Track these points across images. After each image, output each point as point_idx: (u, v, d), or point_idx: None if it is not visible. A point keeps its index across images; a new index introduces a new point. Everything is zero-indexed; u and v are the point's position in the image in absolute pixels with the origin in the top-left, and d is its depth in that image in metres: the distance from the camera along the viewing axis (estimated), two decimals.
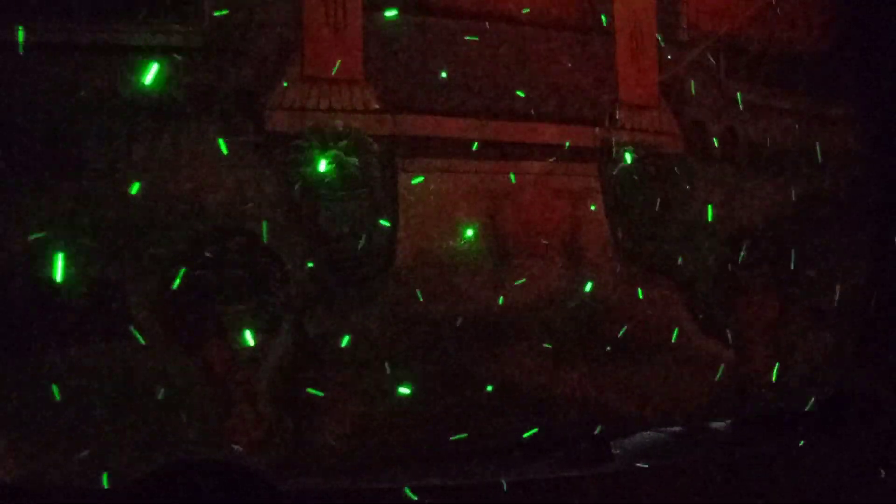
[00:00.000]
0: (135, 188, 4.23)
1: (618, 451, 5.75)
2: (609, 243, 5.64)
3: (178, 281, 4.30)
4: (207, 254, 4.41)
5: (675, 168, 5.81)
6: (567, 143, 5.43)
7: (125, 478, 4.25)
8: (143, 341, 4.31)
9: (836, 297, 6.42)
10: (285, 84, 4.58)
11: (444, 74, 5.03)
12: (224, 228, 4.48)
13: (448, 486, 5.01)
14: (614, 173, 5.62)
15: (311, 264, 4.65)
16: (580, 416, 5.46)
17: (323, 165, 4.66)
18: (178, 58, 4.37)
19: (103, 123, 4.23)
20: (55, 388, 4.14)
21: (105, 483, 4.20)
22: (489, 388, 5.10)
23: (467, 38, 5.14)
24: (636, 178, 5.66)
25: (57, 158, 4.17)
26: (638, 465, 5.56)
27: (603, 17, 5.60)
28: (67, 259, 4.08)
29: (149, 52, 4.31)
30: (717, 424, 6.20)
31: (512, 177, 5.27)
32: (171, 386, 4.37)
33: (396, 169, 4.93)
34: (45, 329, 4.15)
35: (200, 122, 4.43)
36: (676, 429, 6.07)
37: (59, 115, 4.16)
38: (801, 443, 5.48)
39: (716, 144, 6.04)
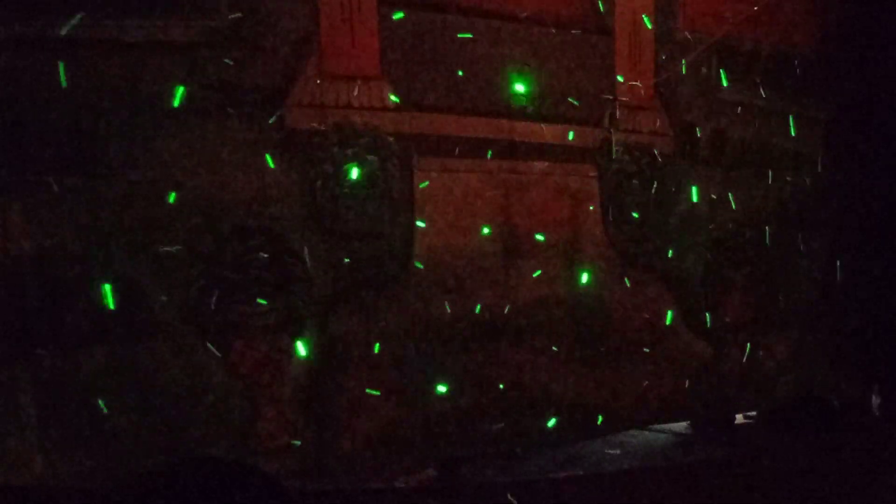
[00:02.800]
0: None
1: (617, 451, 5.79)
2: (609, 244, 5.68)
3: (201, 281, 4.23)
4: (230, 253, 4.32)
5: (670, 168, 5.86)
6: (574, 144, 5.45)
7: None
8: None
9: (818, 297, 6.57)
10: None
11: (459, 73, 4.99)
12: (247, 227, 4.39)
13: (449, 486, 5.00)
14: (611, 174, 5.65)
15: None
16: (579, 413, 5.49)
17: (344, 163, 4.60)
18: (197, 53, 4.26)
19: (122, 121, 4.10)
20: (77, 390, 4.05)
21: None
22: (501, 386, 5.14)
23: (477, 36, 5.11)
24: (630, 179, 5.71)
25: (76, 157, 4.03)
26: (638, 465, 5.60)
27: (606, 17, 5.63)
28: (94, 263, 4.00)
29: (167, 48, 4.20)
30: (716, 424, 6.26)
31: (525, 176, 5.28)
32: (196, 387, 4.30)
33: (412, 167, 4.88)
34: (65, 330, 4.03)
35: (220, 119, 4.32)
36: (676, 429, 6.12)
37: (77, 112, 4.02)
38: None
39: (707, 145, 6.10)
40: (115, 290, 4.00)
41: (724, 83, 6.12)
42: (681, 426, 6.27)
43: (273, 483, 4.42)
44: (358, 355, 4.68)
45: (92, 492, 4.09)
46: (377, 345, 4.70)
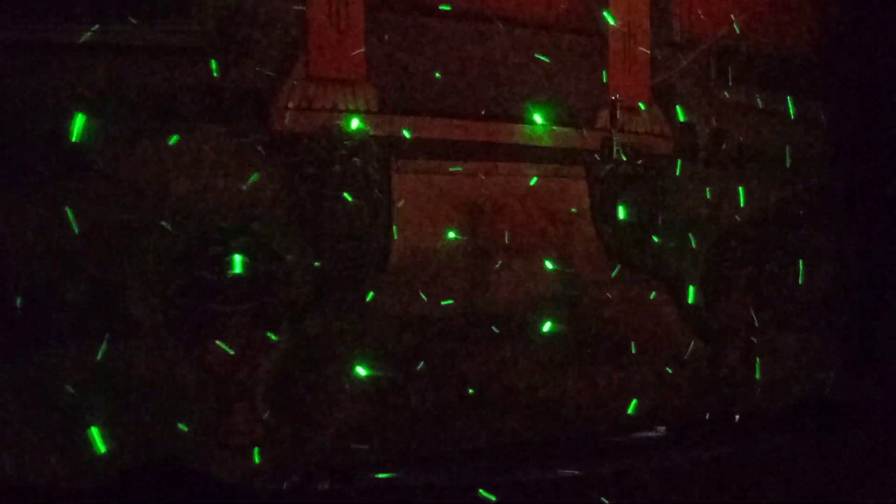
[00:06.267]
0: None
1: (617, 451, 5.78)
2: (598, 244, 5.70)
3: (180, 281, 4.31)
4: (210, 254, 4.40)
5: (665, 169, 5.86)
6: (560, 146, 5.47)
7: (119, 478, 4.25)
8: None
9: (820, 296, 6.54)
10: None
11: (438, 75, 5.04)
12: (228, 229, 4.46)
13: (446, 486, 5.01)
14: (605, 175, 5.66)
15: (317, 264, 4.66)
16: (570, 415, 5.53)
17: (328, 166, 4.67)
18: (183, 58, 4.35)
19: (107, 124, 4.19)
20: (55, 389, 4.13)
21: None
22: (471, 391, 5.17)
23: (465, 39, 5.16)
24: (626, 180, 5.72)
25: (59, 159, 4.13)
26: (637, 465, 5.58)
27: (601, 19, 5.64)
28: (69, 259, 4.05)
29: (153, 52, 4.29)
30: (715, 424, 6.23)
31: (508, 178, 5.31)
32: (172, 386, 4.37)
33: (392, 169, 4.93)
34: (45, 329, 4.12)
35: (205, 121, 4.41)
36: (675, 429, 6.09)
37: (62, 115, 4.11)
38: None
39: (705, 146, 6.09)
40: (93, 290, 4.07)
41: (723, 84, 6.13)
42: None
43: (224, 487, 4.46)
44: (334, 354, 4.74)
45: (84, 493, 4.20)
46: (354, 344, 4.75)
